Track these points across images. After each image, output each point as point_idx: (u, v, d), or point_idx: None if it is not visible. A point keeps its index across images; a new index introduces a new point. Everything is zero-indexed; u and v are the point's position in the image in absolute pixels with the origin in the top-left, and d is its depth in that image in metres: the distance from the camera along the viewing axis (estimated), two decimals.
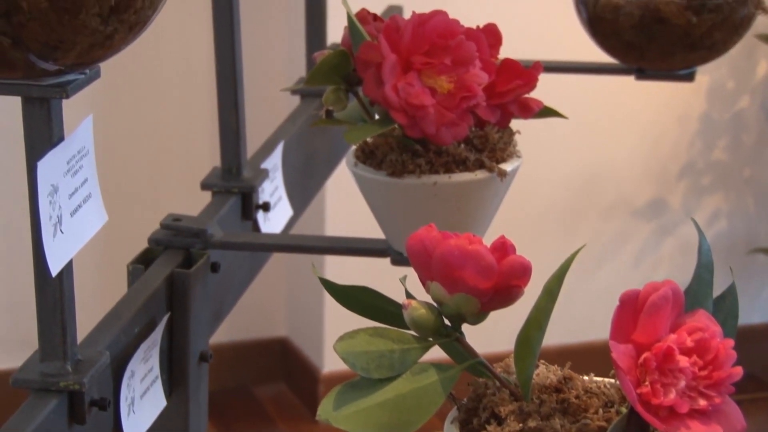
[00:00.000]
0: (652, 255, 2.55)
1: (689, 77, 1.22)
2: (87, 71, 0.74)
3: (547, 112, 0.93)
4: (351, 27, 0.89)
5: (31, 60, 0.69)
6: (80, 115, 0.79)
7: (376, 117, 0.90)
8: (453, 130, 0.87)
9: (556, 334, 2.42)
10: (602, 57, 1.24)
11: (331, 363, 2.36)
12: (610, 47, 1.21)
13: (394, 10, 1.57)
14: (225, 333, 2.39)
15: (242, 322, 2.42)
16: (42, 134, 0.74)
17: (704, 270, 0.63)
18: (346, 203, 2.17)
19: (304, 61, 1.37)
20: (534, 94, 0.91)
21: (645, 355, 0.58)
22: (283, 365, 2.52)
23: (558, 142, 2.37)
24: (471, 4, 2.10)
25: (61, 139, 0.75)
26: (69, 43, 0.69)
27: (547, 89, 0.99)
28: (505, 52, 0.92)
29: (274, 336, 2.52)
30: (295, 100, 1.33)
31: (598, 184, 2.47)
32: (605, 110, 2.42)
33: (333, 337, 1.78)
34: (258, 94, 2.21)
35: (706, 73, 2.45)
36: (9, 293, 2.26)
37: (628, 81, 1.27)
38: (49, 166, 0.74)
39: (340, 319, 0.66)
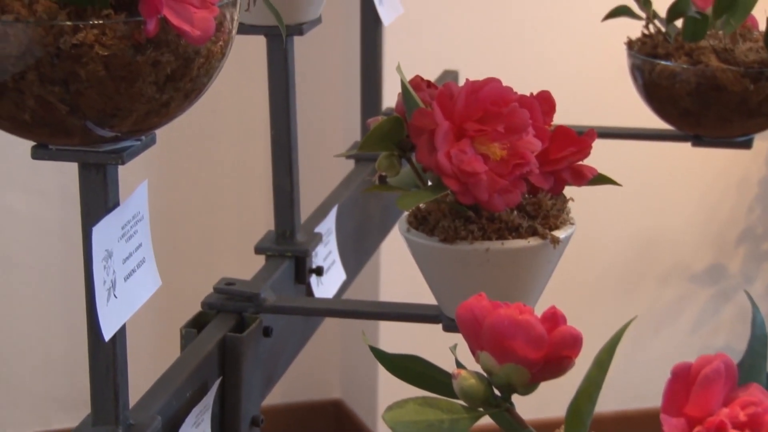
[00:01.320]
0: (711, 321, 2.52)
1: (747, 144, 1.22)
2: (143, 138, 0.75)
3: (601, 180, 0.92)
4: (405, 94, 0.89)
5: (89, 127, 0.70)
6: (136, 180, 0.80)
7: (429, 183, 0.90)
8: (505, 196, 0.87)
9: (613, 401, 2.39)
10: (658, 123, 1.24)
11: (385, 426, 2.35)
12: (667, 114, 1.21)
13: (450, 75, 1.58)
14: (278, 395, 2.38)
15: (295, 384, 2.42)
16: (98, 200, 0.75)
17: (758, 343, 0.62)
18: (399, 268, 2.17)
19: (359, 125, 1.38)
20: (588, 160, 0.91)
21: (697, 429, 0.58)
22: (336, 428, 2.51)
23: (613, 208, 2.36)
24: (526, 69, 2.11)
25: (117, 204, 0.76)
26: (125, 110, 0.70)
27: (602, 154, 0.99)
28: (560, 117, 0.92)
29: (327, 399, 2.52)
30: (350, 163, 1.33)
31: (655, 249, 2.45)
32: (661, 175, 2.41)
33: (387, 399, 1.77)
34: (312, 158, 2.22)
35: (765, 139, 2.43)
36: (67, 352, 2.28)
37: (685, 146, 1.27)
38: (104, 231, 0.75)
39: (393, 382, 0.66)
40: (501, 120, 0.86)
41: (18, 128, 0.71)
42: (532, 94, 0.90)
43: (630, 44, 1.23)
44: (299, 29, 1.04)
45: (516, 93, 0.88)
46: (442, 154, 0.85)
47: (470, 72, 1.69)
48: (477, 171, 0.85)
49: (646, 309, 2.44)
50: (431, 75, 1.61)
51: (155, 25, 0.67)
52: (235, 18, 0.75)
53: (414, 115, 0.87)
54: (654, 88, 1.19)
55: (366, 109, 1.34)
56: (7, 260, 2.19)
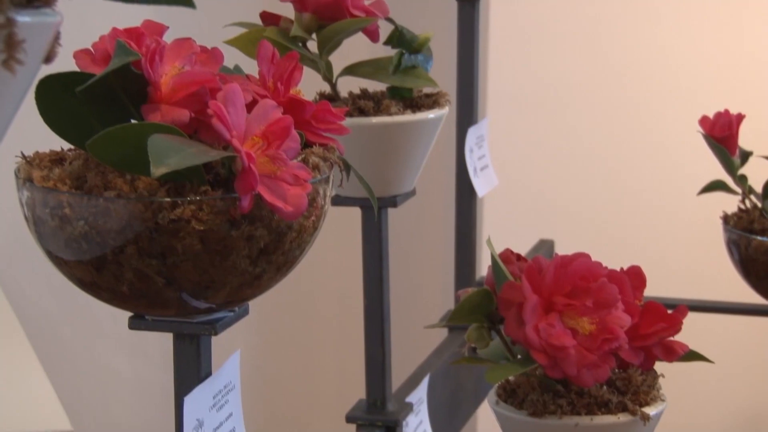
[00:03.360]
0: None
1: None
2: (236, 309, 0.77)
3: (693, 356, 0.92)
4: (494, 267, 0.90)
5: (184, 299, 0.73)
6: (227, 350, 0.82)
7: (518, 356, 0.91)
8: (594, 372, 0.86)
9: None
10: (756, 297, 1.23)
11: None
12: (764, 289, 1.20)
13: (545, 245, 1.59)
14: None
15: None
16: (191, 370, 0.77)
17: None
18: None
19: (453, 294, 1.39)
20: (682, 334, 0.90)
21: None
22: None
23: (707, 384, 2.32)
24: (622, 239, 2.11)
25: (209, 374, 0.78)
26: (219, 283, 0.72)
27: (697, 328, 0.98)
28: (652, 288, 0.92)
29: None
30: (443, 331, 1.34)
31: (756, 430, 2.39)
32: (760, 351, 2.36)
33: None
34: (405, 326, 2.23)
35: None
36: None
37: None
38: (195, 401, 0.76)
39: None
40: (590, 295, 0.87)
41: (117, 299, 0.73)
42: (622, 268, 0.91)
43: (726, 219, 1.23)
44: (393, 201, 1.07)
45: (605, 268, 0.88)
46: (531, 327, 0.86)
47: (566, 241, 1.70)
48: (565, 345, 0.85)
49: None
50: (527, 244, 1.62)
51: (250, 201, 0.69)
52: (328, 194, 0.78)
53: (503, 288, 0.88)
54: (751, 263, 1.18)
55: (460, 279, 1.36)
56: (110, 422, 2.22)
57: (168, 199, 0.69)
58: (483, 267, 1.31)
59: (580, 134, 2.03)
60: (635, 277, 0.92)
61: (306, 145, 0.80)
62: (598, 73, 2.01)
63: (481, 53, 1.87)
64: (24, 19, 0.51)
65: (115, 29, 0.75)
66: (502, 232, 1.97)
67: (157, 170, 0.65)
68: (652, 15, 2.00)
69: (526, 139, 2.02)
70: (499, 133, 1.95)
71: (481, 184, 1.30)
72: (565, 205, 2.13)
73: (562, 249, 1.60)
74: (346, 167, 0.82)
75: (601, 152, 2.05)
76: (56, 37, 0.54)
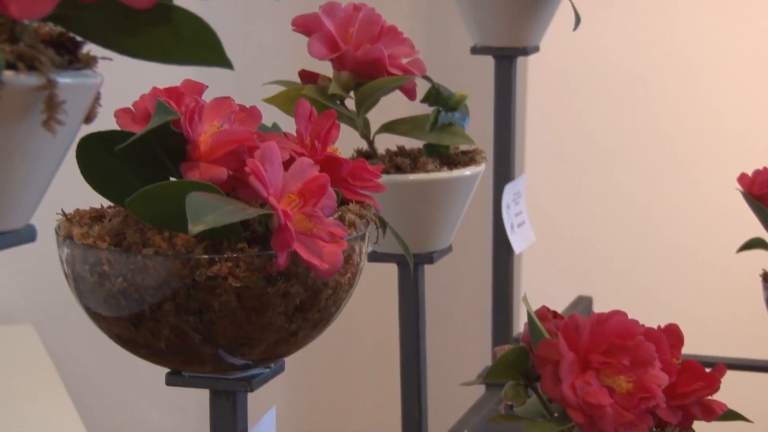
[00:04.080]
0: None
1: None
2: (272, 365, 0.78)
3: (732, 416, 0.91)
4: (530, 324, 0.90)
5: (221, 355, 0.73)
6: (263, 405, 0.82)
7: (555, 414, 0.90)
8: (631, 430, 0.86)
9: None
10: None
11: None
12: None
13: (583, 301, 1.58)
14: None
15: None
16: (227, 426, 0.77)
17: None
18: None
19: (489, 351, 1.39)
20: (721, 392, 0.90)
21: None
22: None
23: None
24: (658, 300, 2.10)
25: (245, 430, 0.78)
26: (256, 339, 0.73)
27: (735, 386, 0.98)
28: (690, 347, 0.92)
29: None
30: (480, 388, 1.34)
31: None
32: None
33: None
34: (442, 383, 2.22)
35: None
36: None
37: None
38: None
39: None
40: (627, 353, 0.86)
41: (154, 356, 0.74)
42: (659, 326, 0.90)
43: (765, 277, 1.22)
44: (430, 258, 1.07)
45: (642, 326, 0.88)
46: (567, 385, 0.85)
47: (605, 297, 1.69)
48: (602, 404, 0.85)
49: None
50: (566, 300, 1.62)
51: (286, 258, 0.70)
52: (364, 251, 0.78)
53: (539, 345, 0.88)
54: None
55: (497, 336, 1.35)
56: None
57: (205, 256, 0.70)
58: (520, 323, 1.31)
59: (618, 190, 2.03)
60: (673, 335, 0.91)
61: (342, 202, 0.81)
62: (637, 129, 2.01)
63: (519, 109, 1.88)
64: (65, 80, 0.52)
65: (155, 88, 0.77)
66: (540, 288, 1.97)
67: (195, 228, 0.66)
68: (691, 70, 2.00)
69: (564, 194, 2.02)
70: (537, 188, 1.95)
71: (518, 241, 1.30)
72: (604, 261, 2.12)
73: (601, 305, 1.59)
74: (382, 224, 0.83)
75: (640, 208, 2.05)
76: (96, 98, 0.55)
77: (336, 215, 0.77)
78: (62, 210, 0.76)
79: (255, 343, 0.73)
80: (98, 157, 0.74)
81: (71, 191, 0.87)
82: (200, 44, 0.56)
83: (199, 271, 0.70)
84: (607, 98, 1.99)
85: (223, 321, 0.71)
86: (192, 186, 0.70)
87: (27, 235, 0.54)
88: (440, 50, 2.02)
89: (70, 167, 0.72)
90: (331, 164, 0.81)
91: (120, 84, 1.04)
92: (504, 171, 1.31)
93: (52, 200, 0.75)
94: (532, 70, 1.95)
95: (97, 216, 0.77)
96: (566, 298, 1.63)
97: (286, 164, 0.75)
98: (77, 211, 0.77)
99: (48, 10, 0.47)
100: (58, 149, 0.54)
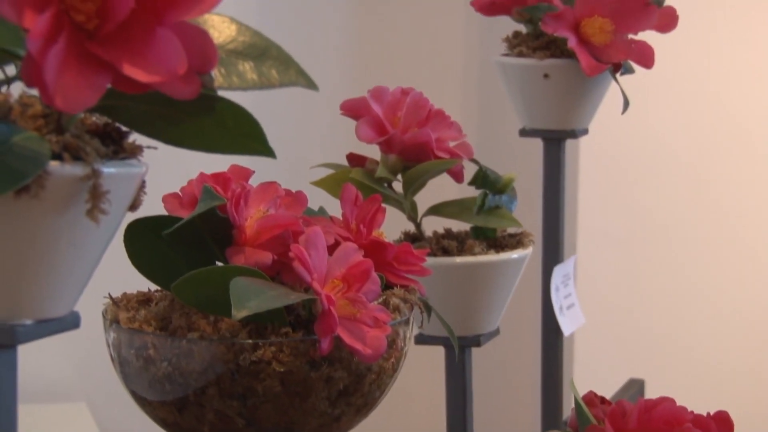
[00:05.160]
0: None
1: None
2: None
3: None
4: (578, 410, 0.90)
5: None
6: None
7: None
8: None
9: None
10: None
11: None
12: None
13: (635, 384, 1.57)
14: None
15: None
16: None
17: None
18: None
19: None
20: None
21: None
22: None
23: None
24: (711, 384, 2.07)
25: None
26: (299, 424, 0.73)
27: None
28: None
29: None
30: None
31: None
32: None
33: None
34: None
35: None
36: None
37: None
38: None
39: None
40: None
41: None
42: (709, 413, 0.89)
43: None
44: (477, 341, 1.06)
45: (691, 413, 0.87)
46: None
47: (657, 380, 1.68)
48: None
49: None
50: (617, 383, 1.60)
51: (330, 343, 0.70)
52: (408, 335, 0.78)
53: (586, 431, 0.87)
54: None
55: (546, 420, 1.34)
56: None
57: (249, 341, 0.70)
58: (569, 407, 1.30)
59: (672, 271, 2.02)
60: (723, 422, 0.90)
61: (387, 286, 0.81)
62: (690, 210, 2.00)
63: (571, 190, 1.88)
64: (109, 170, 0.53)
65: (202, 174, 0.78)
66: (592, 370, 1.95)
67: (239, 313, 0.67)
68: (743, 151, 1.99)
69: (617, 275, 2.01)
70: (589, 269, 1.94)
71: (567, 323, 1.29)
72: (657, 344, 2.10)
73: (653, 388, 1.58)
74: (427, 308, 0.83)
75: (694, 290, 2.03)
76: (141, 186, 0.56)
77: (380, 300, 0.78)
78: (109, 294, 0.77)
79: (298, 428, 0.73)
80: (146, 242, 0.75)
81: (120, 274, 0.88)
82: (244, 133, 0.57)
83: (243, 355, 0.70)
84: (660, 179, 1.99)
85: (266, 405, 0.71)
86: (236, 271, 0.70)
87: (71, 322, 0.55)
88: (490, 133, 2.03)
89: (120, 251, 0.74)
90: (376, 248, 0.81)
91: (169, 167, 1.05)
92: (553, 253, 1.31)
93: (102, 283, 0.76)
94: (584, 151, 1.95)
95: (144, 300, 0.78)
96: (618, 380, 1.61)
97: (331, 248, 0.75)
98: (124, 295, 0.78)
99: (92, 102, 0.49)
100: (102, 237, 0.54)
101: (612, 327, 2.05)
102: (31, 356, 1.68)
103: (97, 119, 0.56)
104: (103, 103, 0.50)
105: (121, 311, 0.74)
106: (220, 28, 0.55)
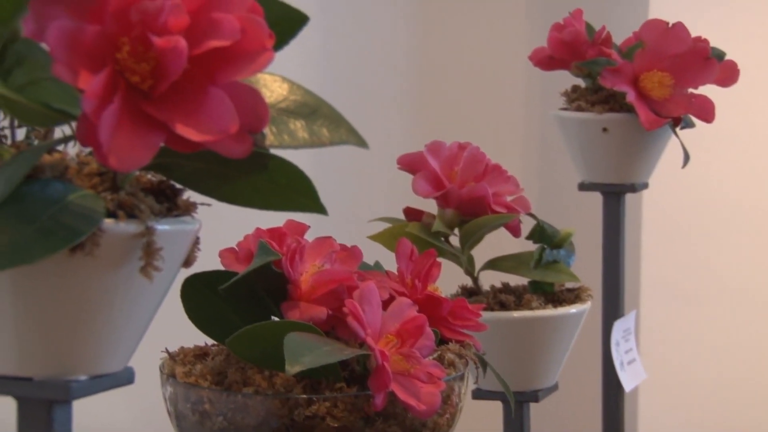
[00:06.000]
0: None
1: None
2: None
3: None
4: None
5: None
6: None
7: None
8: None
9: None
10: None
11: None
12: None
13: None
14: None
15: None
16: None
17: None
18: None
19: None
20: None
21: None
22: None
23: None
24: None
25: None
26: None
27: None
28: None
29: None
30: None
31: None
32: None
33: None
34: None
35: None
36: None
37: None
38: None
39: None
40: None
41: None
42: None
43: None
44: (534, 396, 1.06)
45: None
46: None
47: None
48: None
49: None
50: None
51: (383, 399, 0.70)
52: (464, 391, 0.78)
53: None
54: None
55: None
56: None
57: (304, 396, 0.70)
58: None
59: (736, 325, 1.99)
60: None
61: (443, 341, 0.81)
62: (755, 263, 1.98)
63: (634, 243, 1.86)
64: (163, 227, 0.53)
65: (258, 229, 0.79)
66: (653, 426, 1.93)
67: (292, 368, 0.67)
68: None
69: (681, 329, 1.99)
70: (652, 323, 1.93)
71: (628, 378, 1.28)
72: (721, 400, 2.07)
73: None
74: (483, 364, 0.83)
75: (759, 344, 2.00)
76: (195, 243, 0.57)
77: (435, 355, 0.77)
78: (166, 349, 0.78)
79: None
80: (202, 297, 0.76)
81: (177, 328, 0.89)
82: (296, 191, 0.58)
83: (298, 410, 0.70)
84: (723, 232, 1.97)
85: None
86: (291, 326, 0.71)
87: (125, 378, 0.56)
88: (550, 186, 2.03)
89: (176, 305, 0.74)
90: (431, 303, 0.81)
91: (226, 221, 1.06)
92: (613, 307, 1.30)
93: (160, 337, 0.77)
94: (647, 204, 1.94)
95: (200, 354, 0.78)
96: None
97: (386, 303, 0.75)
98: (181, 349, 0.78)
99: (146, 161, 0.49)
100: (156, 293, 0.55)
101: (676, 382, 2.02)
102: (87, 411, 1.69)
103: (151, 177, 0.57)
104: (157, 161, 0.51)
105: (178, 366, 0.75)
106: (272, 87, 0.56)
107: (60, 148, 0.56)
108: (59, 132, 0.61)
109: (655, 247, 1.95)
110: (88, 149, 0.51)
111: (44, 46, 0.51)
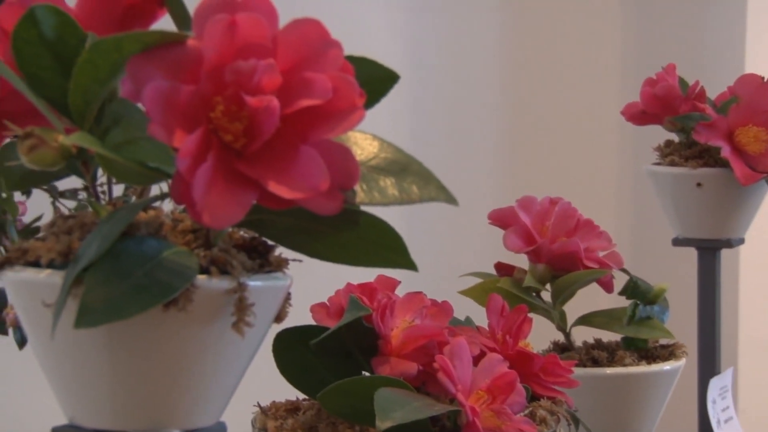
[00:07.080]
0: None
1: None
2: None
3: None
4: None
5: None
6: None
7: None
8: None
9: None
10: None
11: None
12: None
13: None
14: None
15: None
16: None
17: None
18: None
19: None
20: None
21: None
22: None
23: None
24: None
25: None
26: None
27: None
28: None
29: None
30: None
31: None
32: None
33: None
34: None
35: None
36: None
37: None
38: None
39: None
40: None
41: None
42: None
43: None
44: None
45: None
46: None
47: None
48: None
49: None
50: None
51: None
52: None
53: None
54: None
55: None
56: None
57: None
58: None
59: None
60: None
61: (534, 397, 0.80)
62: None
63: (731, 299, 1.84)
64: (255, 283, 0.54)
65: (349, 284, 0.79)
66: None
67: (383, 424, 0.67)
68: None
69: None
70: (750, 380, 1.89)
71: None
72: None
73: None
74: (575, 421, 0.82)
75: None
76: (287, 299, 0.58)
77: (526, 411, 0.77)
78: (258, 403, 0.78)
79: None
80: (294, 351, 0.77)
81: (269, 383, 0.90)
82: (386, 247, 0.58)
83: None
84: None
85: None
86: (381, 382, 0.71)
87: None
88: (644, 242, 2.01)
89: (269, 359, 0.75)
90: (522, 359, 0.81)
91: (317, 277, 1.07)
92: (709, 364, 1.28)
93: (252, 391, 0.78)
94: (744, 259, 1.92)
95: (292, 408, 0.79)
96: None
97: (477, 359, 0.75)
98: (273, 403, 0.79)
99: (238, 218, 0.50)
100: (247, 349, 0.56)
101: None
102: None
103: (244, 233, 0.57)
104: (249, 218, 0.52)
105: (270, 420, 0.76)
106: (362, 145, 0.56)
107: (155, 205, 0.57)
108: (155, 189, 0.63)
109: (752, 304, 1.92)
110: (182, 207, 0.52)
111: (140, 106, 0.52)
